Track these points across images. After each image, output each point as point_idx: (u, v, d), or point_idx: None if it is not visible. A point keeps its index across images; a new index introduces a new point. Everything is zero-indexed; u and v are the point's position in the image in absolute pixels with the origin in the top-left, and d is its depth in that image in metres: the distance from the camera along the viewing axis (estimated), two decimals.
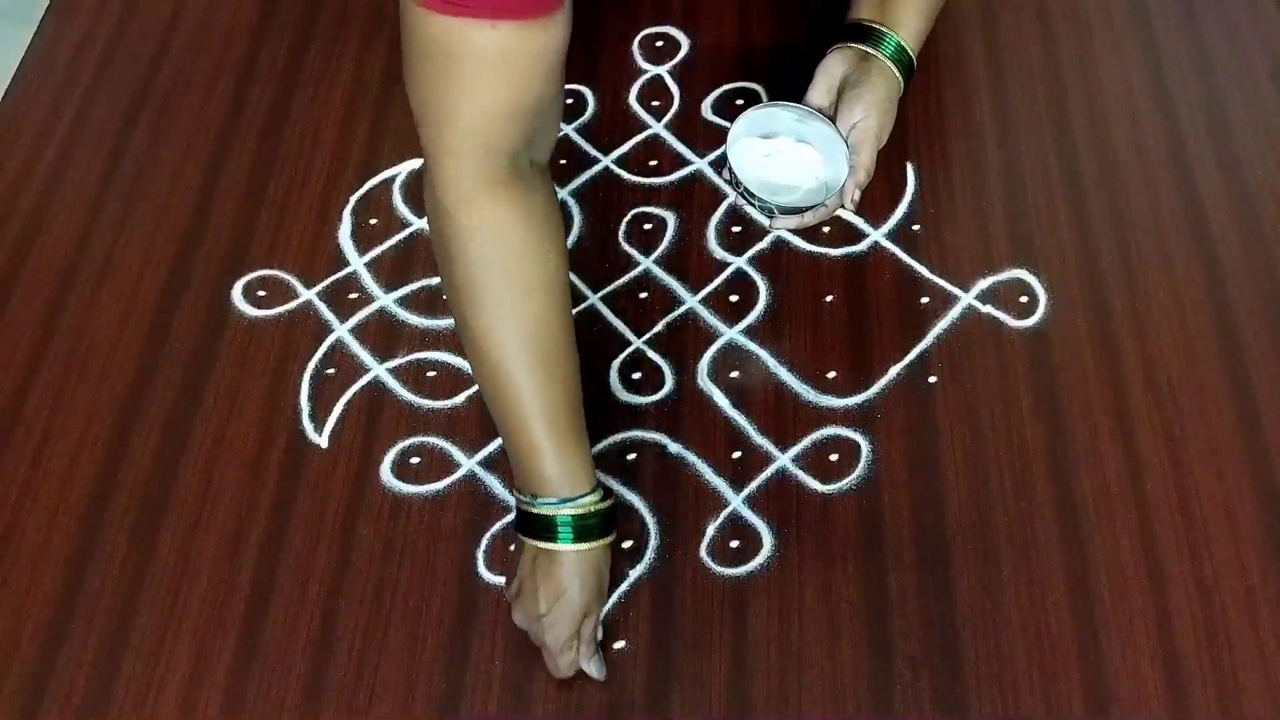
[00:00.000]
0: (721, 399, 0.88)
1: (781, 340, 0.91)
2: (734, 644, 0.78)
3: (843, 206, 0.94)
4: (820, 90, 0.95)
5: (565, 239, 0.78)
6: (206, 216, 0.99)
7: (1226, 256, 0.94)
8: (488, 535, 0.83)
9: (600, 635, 0.78)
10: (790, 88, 1.04)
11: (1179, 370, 0.88)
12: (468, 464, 0.86)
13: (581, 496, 0.75)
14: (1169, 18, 1.09)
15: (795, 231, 0.96)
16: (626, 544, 0.82)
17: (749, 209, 0.96)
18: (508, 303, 0.74)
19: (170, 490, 0.85)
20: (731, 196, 0.98)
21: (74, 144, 1.04)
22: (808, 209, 0.93)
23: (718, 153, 1.01)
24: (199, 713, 0.77)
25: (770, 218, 0.95)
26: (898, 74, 0.94)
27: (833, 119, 0.94)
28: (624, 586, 0.81)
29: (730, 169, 0.94)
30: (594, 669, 0.76)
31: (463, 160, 0.73)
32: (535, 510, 0.75)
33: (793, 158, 0.94)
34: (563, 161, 1.02)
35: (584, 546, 0.75)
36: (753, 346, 0.91)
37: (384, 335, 0.93)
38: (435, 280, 0.95)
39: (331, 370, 0.91)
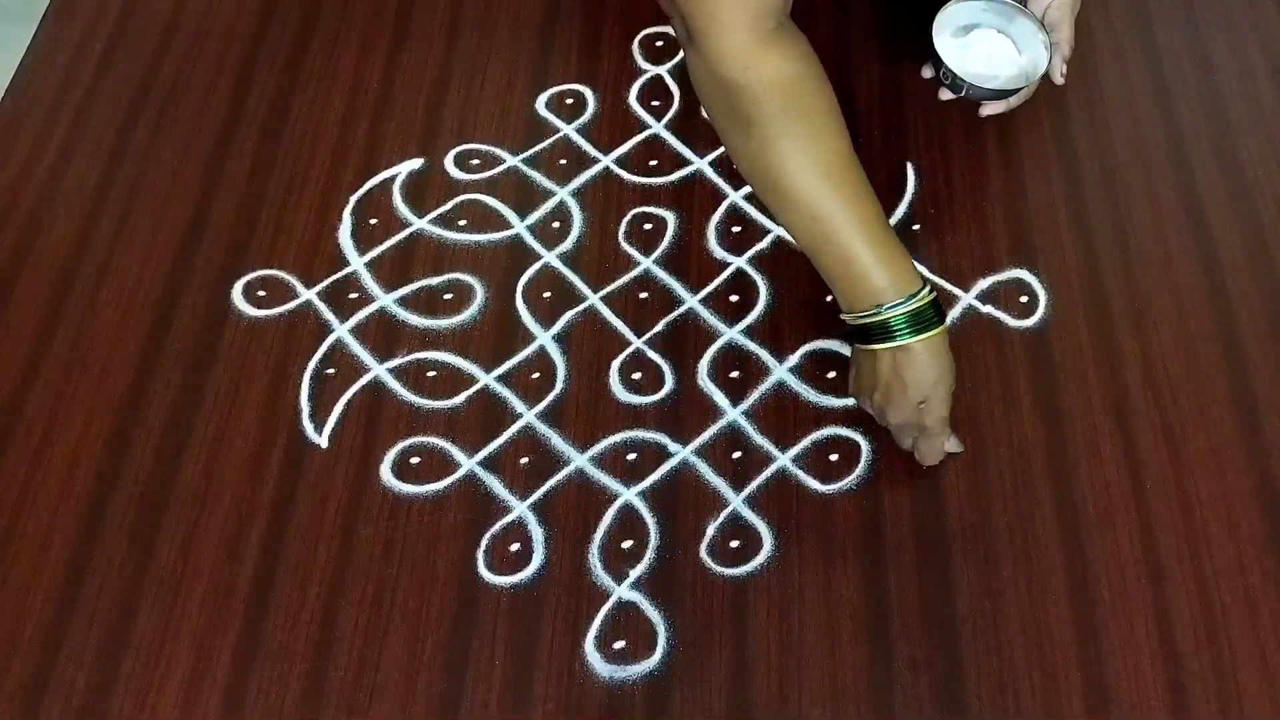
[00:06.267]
0: (721, 399, 0.88)
1: (781, 340, 0.91)
2: (734, 644, 0.78)
3: (1055, 82, 1.00)
4: None
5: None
6: (206, 216, 0.99)
7: (1226, 256, 0.94)
8: (488, 535, 0.83)
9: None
10: None
11: (1179, 370, 0.88)
12: (468, 464, 0.86)
13: (918, 293, 0.80)
14: (1169, 18, 1.09)
15: None
16: (626, 544, 0.82)
17: (953, 94, 1.01)
18: (813, 144, 0.81)
19: (170, 490, 0.85)
20: (729, 199, 0.98)
21: (74, 144, 1.04)
22: (1012, 92, 0.99)
23: (718, 152, 1.01)
24: (199, 713, 0.77)
25: (979, 104, 1.02)
26: None
27: (1024, 1, 0.99)
28: (624, 586, 0.81)
29: (936, 59, 0.98)
30: (956, 445, 0.84)
31: (740, 32, 0.80)
32: (881, 317, 0.80)
33: (990, 47, 1.00)
34: (562, 161, 1.02)
35: (934, 334, 0.80)
36: (753, 346, 0.91)
37: (384, 335, 0.93)
38: (435, 280, 0.95)
39: (331, 370, 0.91)
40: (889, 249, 0.80)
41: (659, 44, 1.09)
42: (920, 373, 0.80)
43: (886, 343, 0.80)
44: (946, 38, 0.99)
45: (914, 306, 0.79)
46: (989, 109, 1.02)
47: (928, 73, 1.04)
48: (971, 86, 0.98)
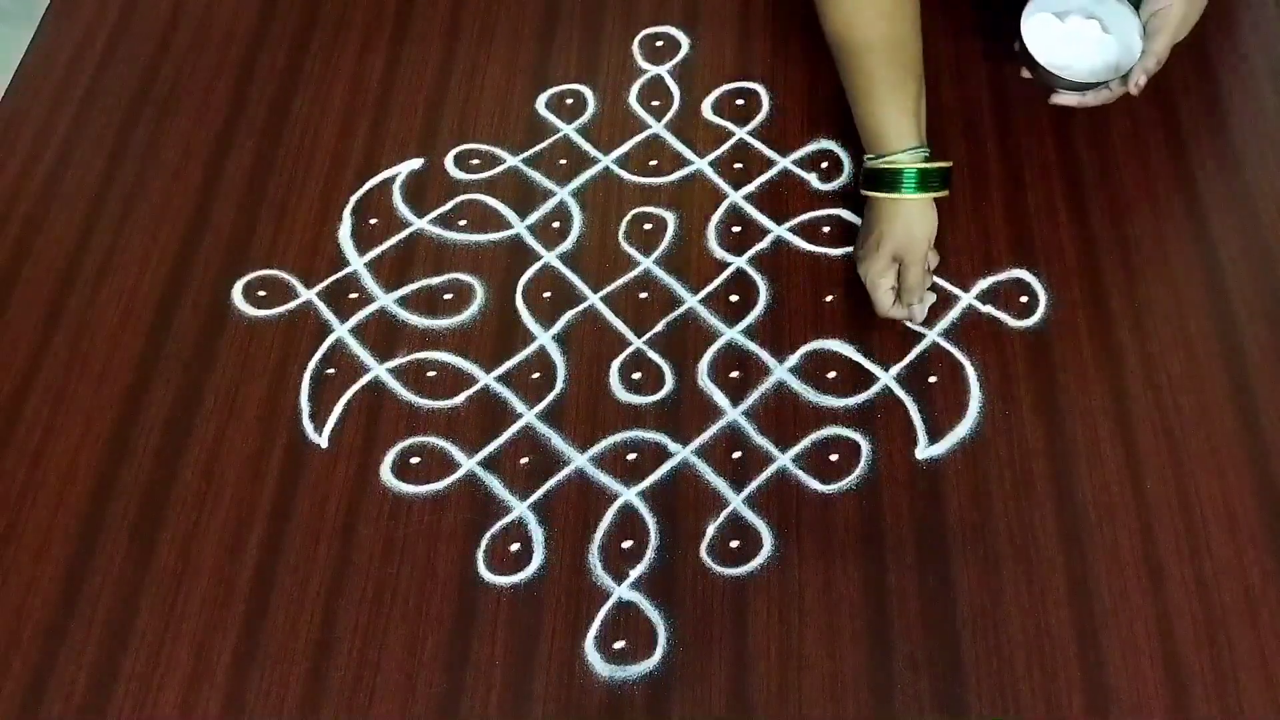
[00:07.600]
0: (721, 399, 0.88)
1: (781, 340, 0.91)
2: (734, 644, 0.78)
3: (1128, 91, 0.94)
4: None
5: None
6: (206, 216, 0.99)
7: (1226, 256, 0.94)
8: (488, 535, 0.83)
9: (927, 288, 0.91)
10: (792, 88, 1.04)
11: (1179, 370, 0.88)
12: (468, 464, 0.86)
13: (929, 153, 0.89)
14: None
15: (796, 231, 0.96)
16: (626, 544, 0.82)
17: (1032, 79, 0.97)
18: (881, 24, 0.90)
19: (170, 490, 0.85)
20: (728, 199, 0.98)
21: (74, 144, 1.04)
22: (1089, 86, 0.95)
23: (718, 152, 1.01)
24: (199, 713, 0.77)
25: (1053, 91, 0.97)
26: None
27: (1136, 3, 0.94)
28: (624, 586, 0.81)
29: (1020, 40, 0.95)
30: (917, 313, 0.90)
31: None
32: (893, 165, 0.89)
33: (1084, 36, 0.96)
34: (562, 161, 1.02)
35: (882, 195, 0.89)
36: (753, 346, 0.91)
37: (384, 335, 0.93)
38: (435, 280, 0.95)
39: (331, 370, 0.91)
40: (913, 116, 0.90)
41: (659, 44, 1.09)
42: (867, 228, 0.90)
43: (889, 192, 0.88)
44: (1044, 15, 0.95)
45: (922, 163, 0.88)
46: (1060, 99, 0.97)
47: (1018, 46, 0.96)
48: (1043, 71, 0.94)
